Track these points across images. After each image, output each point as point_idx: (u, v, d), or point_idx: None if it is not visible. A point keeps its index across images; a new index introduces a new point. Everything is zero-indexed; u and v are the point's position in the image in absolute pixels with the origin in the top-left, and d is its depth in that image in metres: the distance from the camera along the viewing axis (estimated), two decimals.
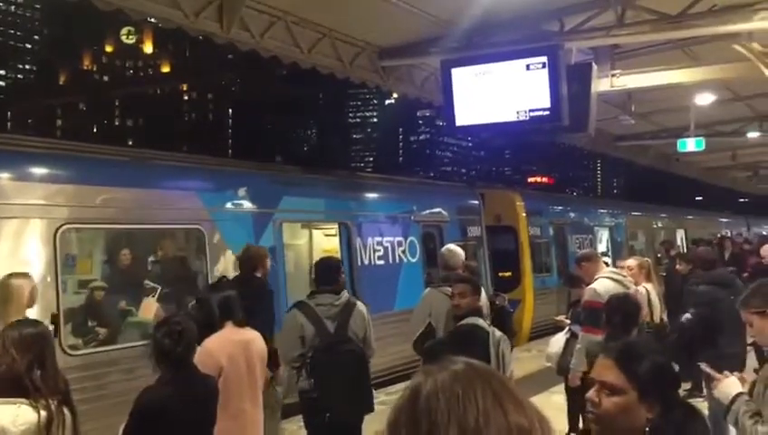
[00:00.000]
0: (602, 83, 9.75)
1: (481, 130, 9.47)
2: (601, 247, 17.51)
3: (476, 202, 13.65)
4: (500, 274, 13.80)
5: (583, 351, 6.05)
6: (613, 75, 10.18)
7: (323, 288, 5.72)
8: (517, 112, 8.11)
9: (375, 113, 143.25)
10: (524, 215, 14.74)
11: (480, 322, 5.29)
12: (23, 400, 3.22)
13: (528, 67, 8.06)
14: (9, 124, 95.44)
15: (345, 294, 5.78)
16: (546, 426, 1.18)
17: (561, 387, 7.37)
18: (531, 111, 8.05)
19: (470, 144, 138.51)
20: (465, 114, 8.54)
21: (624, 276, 6.85)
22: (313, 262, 11.34)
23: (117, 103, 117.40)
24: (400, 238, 11.16)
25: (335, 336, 5.49)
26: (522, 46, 8.52)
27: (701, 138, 14.89)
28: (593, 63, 9.08)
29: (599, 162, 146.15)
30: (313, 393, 5.34)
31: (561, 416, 6.94)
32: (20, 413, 3.19)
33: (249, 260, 7.07)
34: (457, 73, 8.47)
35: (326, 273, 5.83)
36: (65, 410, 3.39)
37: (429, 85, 11.34)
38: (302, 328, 5.50)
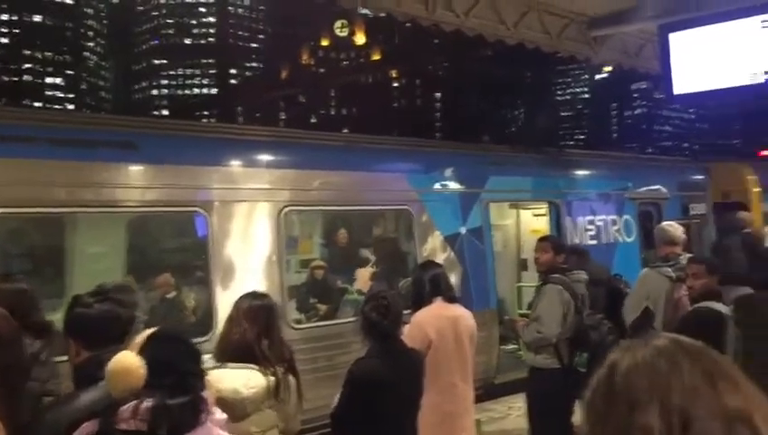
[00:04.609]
0: None
1: (704, 98, 8.68)
2: None
3: (701, 177, 12.58)
4: None
5: None
6: None
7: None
8: (750, 75, 7.31)
9: (586, 89, 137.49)
10: (758, 190, 13.30)
11: (718, 306, 4.76)
12: (253, 366, 3.50)
13: (763, 24, 7.22)
14: (240, 118, 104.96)
15: None
16: None
17: None
18: (766, 72, 7.22)
19: (693, 116, 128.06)
20: (686, 81, 7.87)
21: None
22: (522, 241, 11.27)
23: (333, 94, 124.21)
24: (614, 217, 10.62)
25: (596, 313, 5.69)
26: (755, 1, 7.65)
27: None
28: None
29: None
30: (583, 368, 5.38)
31: None
32: (251, 377, 3.47)
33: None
34: (677, 38, 7.82)
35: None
36: (290, 377, 3.64)
37: (646, 53, 10.61)
38: (567, 304, 5.55)
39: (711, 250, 9.93)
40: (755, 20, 7.30)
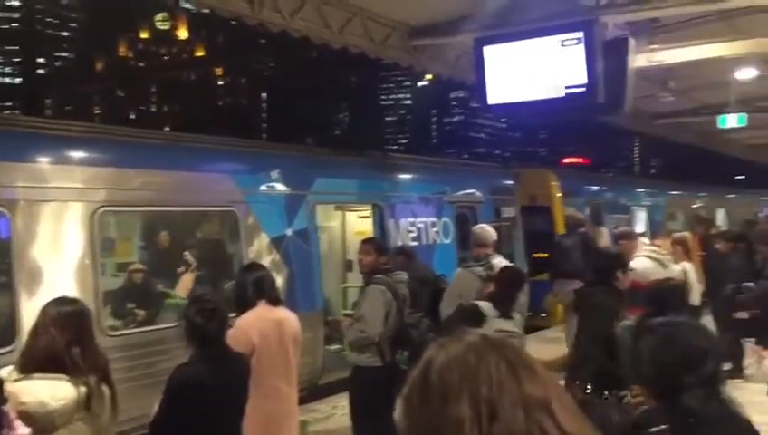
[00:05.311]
0: (640, 59, 9.49)
1: (514, 109, 9.34)
2: (639, 228, 17.24)
3: (511, 182, 13.52)
4: (534, 255, 13.67)
5: None
6: (651, 50, 9.92)
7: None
8: (553, 89, 7.98)
9: (408, 95, 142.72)
10: (559, 194, 14.56)
11: (482, 306, 5.32)
12: (63, 376, 3.27)
13: (563, 43, 7.91)
14: (49, 111, 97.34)
15: None
16: (565, 397, 1.15)
17: None
18: (566, 87, 7.91)
19: (505, 125, 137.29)
20: (498, 92, 8.43)
21: (663, 255, 6.72)
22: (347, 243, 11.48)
23: (153, 89, 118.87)
24: (434, 219, 11.11)
25: (416, 312, 5.90)
26: (556, 22, 8.35)
27: (743, 114, 14.48)
28: (630, 38, 8.86)
29: (637, 141, 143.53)
30: (405, 366, 5.55)
31: None
32: (60, 388, 3.24)
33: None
34: (490, 51, 8.36)
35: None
36: (104, 387, 3.45)
37: (462, 64, 11.21)
38: (389, 304, 5.67)
39: (552, 247, 10.90)
40: (556, 39, 7.97)
